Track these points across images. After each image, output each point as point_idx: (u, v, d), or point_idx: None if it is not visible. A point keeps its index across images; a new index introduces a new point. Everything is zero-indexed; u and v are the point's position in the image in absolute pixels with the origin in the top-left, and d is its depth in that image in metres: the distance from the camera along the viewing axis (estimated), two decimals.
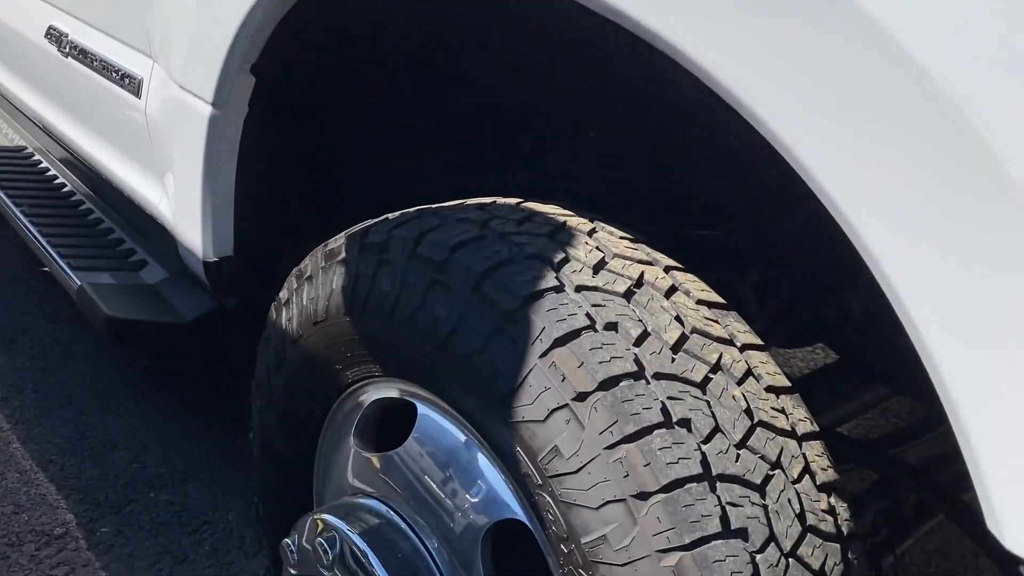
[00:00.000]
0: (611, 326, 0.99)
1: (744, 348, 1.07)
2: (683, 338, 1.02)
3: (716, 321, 1.07)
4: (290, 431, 1.40)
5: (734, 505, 0.93)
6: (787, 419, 1.04)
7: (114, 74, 1.86)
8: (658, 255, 1.13)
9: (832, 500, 1.02)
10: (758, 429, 0.99)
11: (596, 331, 0.98)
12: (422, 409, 1.18)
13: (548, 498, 0.98)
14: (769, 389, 1.05)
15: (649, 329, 1.00)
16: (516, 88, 1.58)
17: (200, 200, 1.59)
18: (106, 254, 2.18)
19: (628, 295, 1.03)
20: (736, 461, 0.95)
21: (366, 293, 1.16)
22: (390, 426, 1.29)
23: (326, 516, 1.22)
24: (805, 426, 1.05)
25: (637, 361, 0.97)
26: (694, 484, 0.92)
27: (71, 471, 2.23)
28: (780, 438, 1.01)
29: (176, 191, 1.70)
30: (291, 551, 1.27)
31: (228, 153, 1.53)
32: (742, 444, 0.97)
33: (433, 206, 1.22)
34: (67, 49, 2.06)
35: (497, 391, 1.00)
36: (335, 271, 1.23)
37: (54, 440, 2.33)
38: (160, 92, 1.70)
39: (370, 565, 1.15)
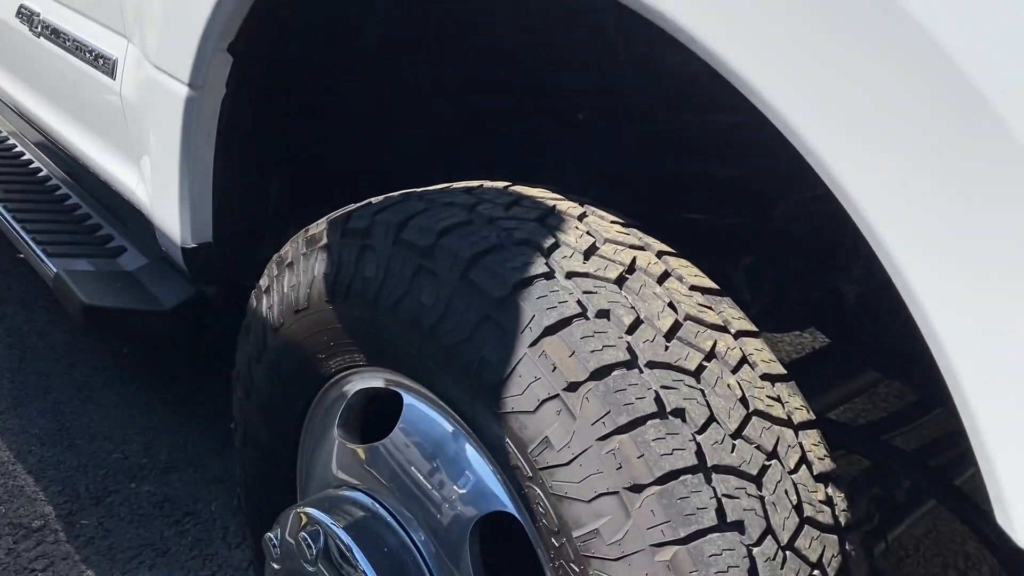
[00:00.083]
0: (603, 313, 0.96)
1: (739, 335, 1.04)
2: (676, 325, 0.99)
3: (710, 307, 1.04)
4: (272, 422, 1.36)
5: (730, 497, 0.90)
6: (783, 408, 1.01)
7: (87, 54, 1.81)
8: (650, 240, 1.10)
9: (829, 490, 0.99)
10: (754, 418, 0.97)
11: (587, 319, 0.95)
12: (408, 399, 1.15)
13: (538, 491, 0.95)
14: (764, 377, 1.02)
15: (642, 316, 0.97)
16: (503, 69, 1.54)
17: (177, 185, 1.54)
18: (83, 240, 2.13)
19: (620, 281, 1.00)
20: (732, 452, 0.93)
21: (349, 280, 1.13)
22: (376, 417, 1.26)
23: (309, 510, 1.19)
24: (801, 414, 1.03)
25: (630, 349, 0.94)
26: (689, 476, 0.90)
27: (50, 462, 2.19)
28: (776, 427, 0.98)
29: (153, 175, 1.65)
30: (274, 545, 1.24)
31: (206, 136, 1.49)
32: (737, 434, 0.94)
33: (418, 190, 1.19)
34: (39, 29, 2.00)
35: (486, 381, 0.97)
36: (317, 257, 1.19)
37: (32, 431, 2.28)
38: (135, 73, 1.65)
39: (355, 559, 1.12)
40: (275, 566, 1.25)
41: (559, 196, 1.13)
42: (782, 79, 0.74)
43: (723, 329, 1.02)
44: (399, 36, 1.56)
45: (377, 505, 1.17)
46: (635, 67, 1.35)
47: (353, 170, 1.68)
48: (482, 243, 1.02)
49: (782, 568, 0.91)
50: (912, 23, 0.66)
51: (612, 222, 1.10)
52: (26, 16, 2.06)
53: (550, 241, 1.02)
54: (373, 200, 1.19)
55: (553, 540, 0.95)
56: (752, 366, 1.01)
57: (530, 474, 0.95)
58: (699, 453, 0.91)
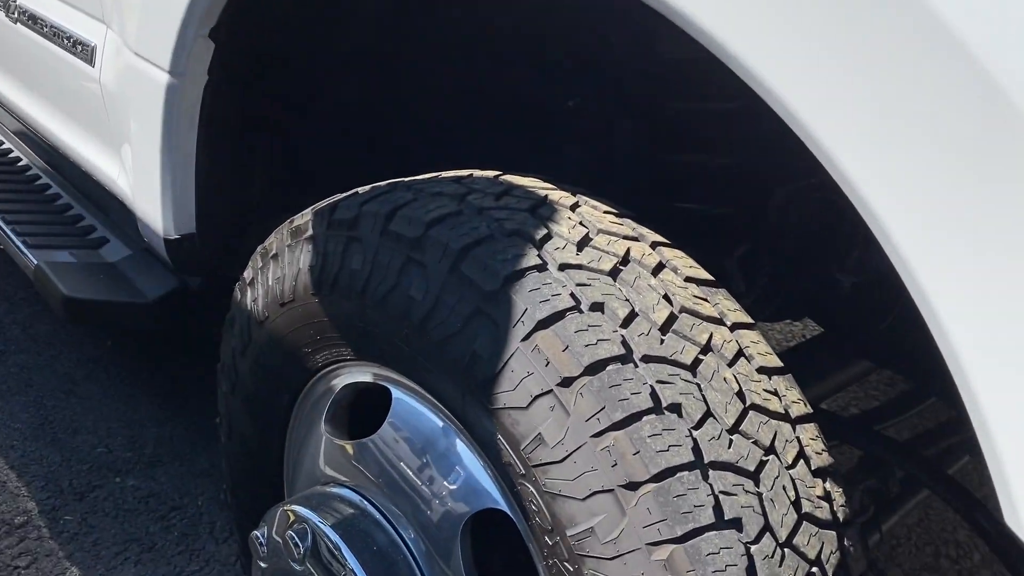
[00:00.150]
0: (597, 307, 0.93)
1: (735, 327, 1.02)
2: (672, 318, 0.96)
3: (705, 299, 1.02)
4: (258, 417, 1.34)
5: (728, 494, 0.88)
6: (780, 401, 0.99)
7: (66, 41, 1.76)
8: (644, 230, 1.07)
9: (827, 485, 0.98)
10: (751, 413, 0.94)
11: (581, 312, 0.93)
12: (397, 394, 1.13)
13: (531, 488, 0.93)
14: (761, 370, 1.00)
15: (636, 309, 0.95)
16: (493, 57, 1.51)
17: (159, 174, 1.51)
18: (64, 231, 2.09)
19: (614, 273, 0.98)
20: (729, 447, 0.91)
21: (335, 272, 1.10)
22: (364, 412, 1.23)
23: (297, 507, 1.16)
24: (799, 408, 1.01)
25: (624, 343, 0.92)
26: (686, 472, 0.87)
27: (32, 457, 2.15)
28: (773, 422, 0.96)
29: (134, 165, 1.61)
30: (261, 544, 1.21)
31: (187, 124, 1.45)
32: (735, 429, 0.92)
33: (406, 179, 1.16)
34: (16, 15, 1.96)
35: (477, 376, 0.95)
36: (302, 249, 1.16)
37: (14, 425, 2.24)
38: (114, 60, 1.61)
39: (343, 558, 1.10)
40: (262, 565, 1.23)
41: (551, 185, 1.11)
42: (787, 66, 0.71)
43: (719, 321, 1.00)
44: (387, 23, 1.53)
45: (366, 502, 1.14)
46: (627, 53, 1.32)
47: (339, 159, 1.65)
48: (472, 234, 1.00)
49: (780, 566, 0.89)
50: (925, 9, 0.63)
51: (605, 212, 1.08)
52: (2, 2, 2.01)
53: (542, 232, 0.99)
54: (360, 190, 1.16)
55: (546, 538, 0.93)
56: (749, 359, 0.99)
57: (523, 471, 0.93)
58: (696, 449, 0.89)
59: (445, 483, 1.07)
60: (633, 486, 0.86)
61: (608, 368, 0.90)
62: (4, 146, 2.51)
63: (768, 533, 0.89)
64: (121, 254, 1.99)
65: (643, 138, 1.45)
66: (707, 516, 0.86)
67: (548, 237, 0.99)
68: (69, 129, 1.93)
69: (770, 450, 0.93)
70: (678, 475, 0.87)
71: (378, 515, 1.13)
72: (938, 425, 1.77)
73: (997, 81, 0.61)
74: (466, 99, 1.61)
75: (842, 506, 0.98)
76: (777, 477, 0.92)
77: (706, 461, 0.89)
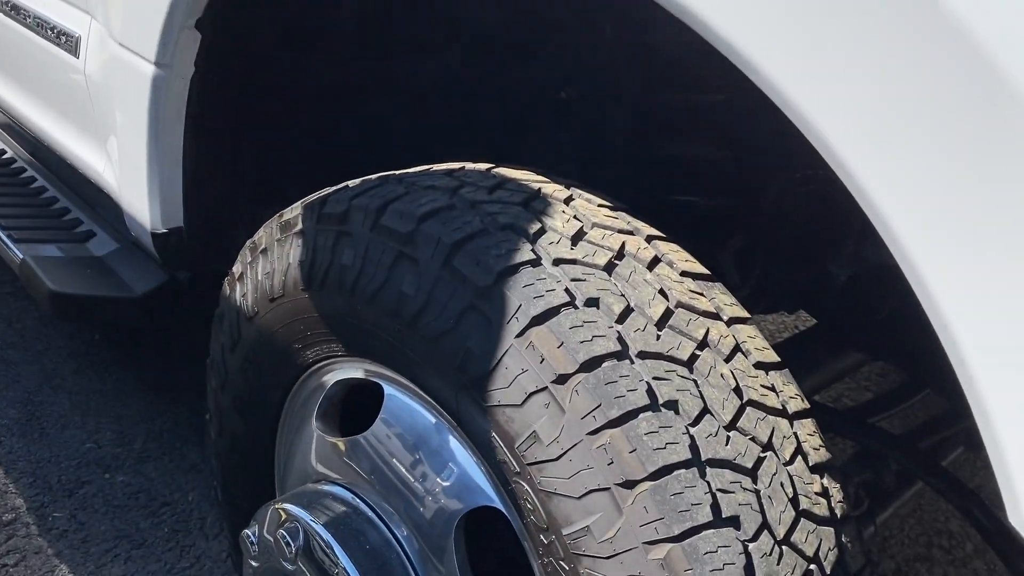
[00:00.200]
0: (592, 302, 0.92)
1: (731, 322, 1.00)
2: (668, 313, 0.95)
3: (701, 294, 1.01)
4: (248, 413, 1.32)
5: (725, 492, 0.87)
6: (777, 397, 0.98)
7: (49, 31, 1.73)
8: (639, 223, 1.06)
9: (825, 481, 0.97)
10: (748, 409, 0.93)
11: (576, 308, 0.91)
12: (389, 390, 1.11)
13: (526, 486, 0.91)
14: (758, 365, 0.99)
15: (632, 304, 0.93)
16: (484, 46, 1.49)
17: (146, 167, 1.48)
18: (50, 225, 2.07)
19: (609, 268, 0.96)
20: (726, 444, 0.89)
21: (325, 268, 1.08)
22: (356, 408, 1.21)
23: (288, 506, 1.15)
24: (796, 403, 1.00)
25: (620, 339, 0.90)
26: (683, 470, 0.86)
27: (20, 453, 2.13)
28: (771, 417, 0.95)
29: (120, 158, 1.59)
30: (252, 543, 1.20)
31: (174, 117, 1.43)
32: (732, 425, 0.91)
33: (397, 172, 1.14)
34: None
35: (470, 373, 0.93)
36: (291, 243, 1.14)
37: (1, 421, 2.22)
38: (99, 50, 1.58)
39: (335, 557, 1.08)
40: (253, 564, 1.21)
41: (544, 178, 1.09)
42: (788, 58, 0.70)
43: (715, 316, 0.99)
44: (377, 11, 1.51)
45: (358, 500, 1.13)
46: (621, 45, 1.31)
47: (329, 152, 1.63)
48: (465, 229, 0.98)
49: (779, 564, 0.88)
50: (932, 4, 0.62)
51: (600, 205, 1.06)
52: None
53: (536, 226, 0.98)
54: (350, 183, 1.14)
55: (542, 537, 0.92)
56: (746, 354, 0.98)
57: (518, 469, 0.92)
58: (693, 447, 0.87)
59: (439, 480, 1.06)
60: (630, 484, 0.85)
61: (604, 365, 0.88)
62: None
63: (766, 531, 0.88)
64: (108, 248, 1.97)
65: (635, 130, 1.44)
66: (705, 514, 0.85)
67: (542, 231, 0.98)
68: (54, 121, 1.90)
69: (768, 446, 0.92)
70: (675, 473, 0.86)
71: (371, 513, 1.12)
72: (932, 417, 1.76)
73: (1004, 75, 0.59)
74: (456, 89, 1.59)
75: (840, 502, 0.97)
76: (775, 474, 0.91)
77: (703, 458, 0.88)
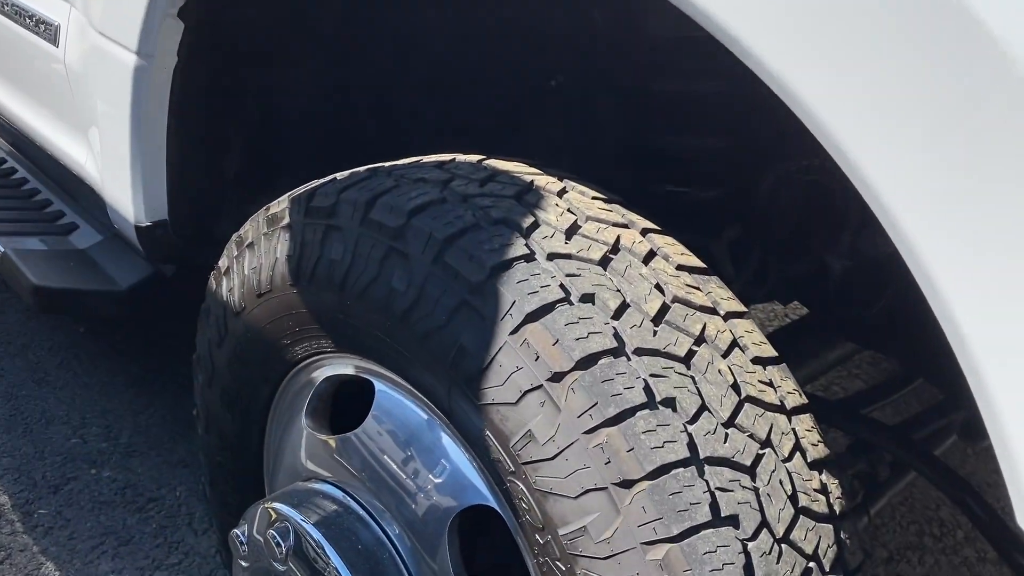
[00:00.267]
0: (587, 298, 0.90)
1: (728, 316, 0.99)
2: (664, 308, 0.93)
3: (698, 288, 0.99)
4: (236, 410, 1.30)
5: (724, 490, 0.86)
6: (775, 392, 0.96)
7: (28, 20, 1.69)
8: (634, 216, 1.04)
9: (823, 477, 0.95)
10: (746, 405, 0.92)
11: (571, 304, 0.89)
12: (380, 387, 1.09)
13: (521, 486, 0.90)
14: (756, 361, 0.97)
15: (628, 300, 0.92)
16: (472, 34, 1.46)
17: (129, 159, 1.45)
18: (32, 217, 2.03)
19: (604, 262, 0.94)
20: (725, 442, 0.88)
21: (314, 263, 1.06)
22: (348, 404, 1.19)
23: (278, 505, 1.13)
24: (794, 399, 0.98)
25: (617, 336, 0.89)
26: (681, 469, 0.85)
27: (4, 449, 2.10)
28: (769, 414, 0.94)
29: (103, 149, 1.56)
30: (241, 543, 1.18)
31: (157, 107, 1.40)
32: (730, 423, 0.90)
33: (386, 165, 1.11)
34: None
35: (464, 371, 0.91)
36: (279, 238, 1.12)
37: None
38: (79, 40, 1.54)
39: (327, 557, 1.06)
40: (243, 564, 1.19)
41: (537, 170, 1.07)
42: (791, 49, 0.68)
43: (712, 311, 0.97)
44: (362, 2, 1.48)
45: (349, 499, 1.11)
46: (612, 32, 1.28)
47: (315, 144, 1.60)
48: (457, 223, 0.96)
49: (778, 562, 0.87)
50: None
51: (594, 198, 1.04)
52: None
53: (529, 220, 0.96)
54: (338, 176, 1.11)
55: (537, 537, 0.90)
56: (743, 349, 0.97)
57: (512, 468, 0.90)
58: (691, 445, 0.86)
59: (431, 478, 1.04)
60: (627, 484, 0.84)
61: (600, 362, 0.87)
62: None
63: (765, 529, 0.87)
64: (92, 240, 1.94)
65: (628, 119, 1.41)
66: (703, 514, 0.84)
67: (536, 225, 0.96)
68: (34, 112, 1.86)
69: (766, 443, 0.91)
70: (673, 472, 0.84)
71: (362, 512, 1.10)
72: (924, 407, 1.76)
73: (1014, 63, 0.57)
74: (445, 78, 1.57)
75: (838, 498, 0.96)
76: (774, 471, 0.90)
77: (702, 457, 0.86)
